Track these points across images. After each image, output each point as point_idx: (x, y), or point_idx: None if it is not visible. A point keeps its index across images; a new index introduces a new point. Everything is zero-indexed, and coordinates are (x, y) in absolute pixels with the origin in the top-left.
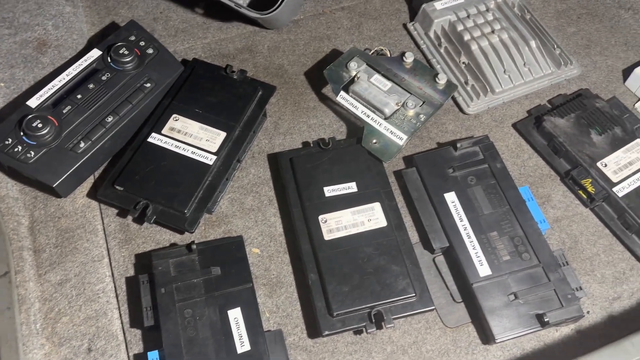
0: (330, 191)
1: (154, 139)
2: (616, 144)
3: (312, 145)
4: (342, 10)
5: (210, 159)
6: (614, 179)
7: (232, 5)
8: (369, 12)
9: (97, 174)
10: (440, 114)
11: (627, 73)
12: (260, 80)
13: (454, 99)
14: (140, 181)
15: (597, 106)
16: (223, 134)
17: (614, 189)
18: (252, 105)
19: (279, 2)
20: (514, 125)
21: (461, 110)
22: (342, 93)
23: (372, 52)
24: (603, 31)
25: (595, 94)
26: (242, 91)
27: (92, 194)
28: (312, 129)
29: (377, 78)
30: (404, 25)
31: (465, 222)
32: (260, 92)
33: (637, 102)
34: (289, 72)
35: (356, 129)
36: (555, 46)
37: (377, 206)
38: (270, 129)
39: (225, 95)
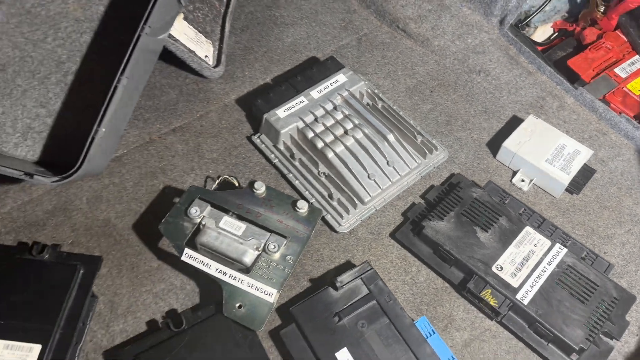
0: None
1: None
2: (506, 239)
3: (161, 326)
4: (174, 133)
5: None
6: (514, 284)
7: (18, 175)
8: (206, 130)
9: None
10: (312, 239)
11: (493, 145)
12: (79, 254)
13: (322, 218)
14: None
15: (475, 196)
16: (37, 348)
17: (517, 296)
18: (72, 292)
19: (80, 159)
20: (393, 236)
21: (333, 229)
22: (187, 250)
23: (216, 184)
24: (460, 102)
25: (471, 180)
26: (57, 276)
27: None
28: (159, 298)
29: (227, 221)
30: (249, 138)
31: None
32: (81, 271)
33: (513, 176)
34: (118, 227)
35: (216, 285)
36: (416, 133)
37: None
38: (105, 312)
39: (35, 288)
